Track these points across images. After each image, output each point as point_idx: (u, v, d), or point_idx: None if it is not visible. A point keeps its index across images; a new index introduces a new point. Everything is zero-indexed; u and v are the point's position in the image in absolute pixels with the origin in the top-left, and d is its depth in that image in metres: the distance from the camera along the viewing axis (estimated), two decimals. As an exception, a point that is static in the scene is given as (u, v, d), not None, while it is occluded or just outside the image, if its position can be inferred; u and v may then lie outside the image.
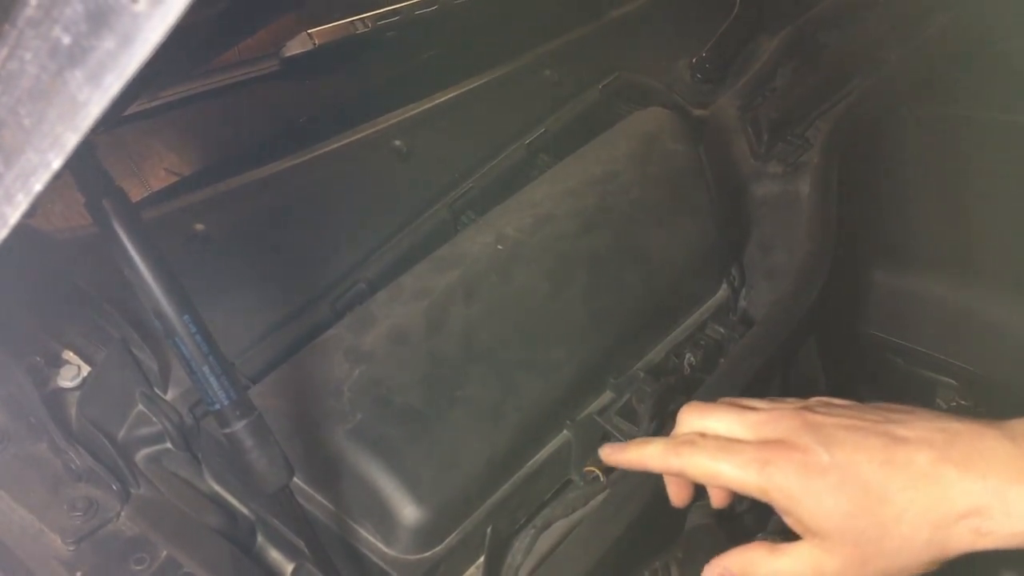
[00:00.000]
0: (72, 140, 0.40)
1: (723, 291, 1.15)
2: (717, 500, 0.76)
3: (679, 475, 0.73)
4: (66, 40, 0.37)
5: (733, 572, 0.70)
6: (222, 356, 0.69)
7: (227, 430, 0.70)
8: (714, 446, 0.69)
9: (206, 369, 0.69)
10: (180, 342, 0.68)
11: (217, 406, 0.69)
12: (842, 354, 0.97)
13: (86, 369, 0.94)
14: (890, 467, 0.63)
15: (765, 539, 0.77)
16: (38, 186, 0.43)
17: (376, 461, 0.85)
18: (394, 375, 0.91)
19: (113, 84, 0.37)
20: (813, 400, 0.71)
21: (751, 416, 0.70)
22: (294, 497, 0.74)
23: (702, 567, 0.86)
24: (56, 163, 0.41)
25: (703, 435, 0.71)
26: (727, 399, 0.74)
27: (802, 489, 0.65)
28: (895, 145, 1.42)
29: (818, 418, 0.68)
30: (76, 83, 0.38)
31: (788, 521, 0.68)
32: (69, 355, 0.94)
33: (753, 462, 0.67)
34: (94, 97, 0.38)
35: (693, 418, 0.72)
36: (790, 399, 0.72)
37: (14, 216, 0.45)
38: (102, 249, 0.67)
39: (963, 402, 1.32)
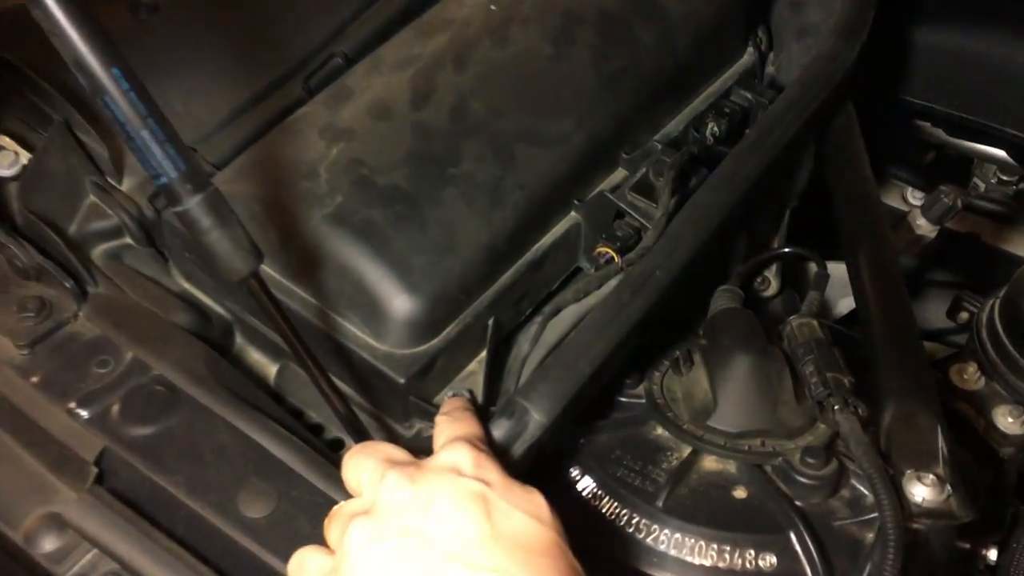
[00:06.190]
0: None
1: (748, 55, 1.02)
2: None
3: None
4: None
5: None
6: (164, 119, 0.58)
7: (179, 208, 0.59)
8: None
9: (145, 134, 0.58)
10: (110, 101, 0.57)
11: (164, 179, 0.59)
12: (880, 125, 0.85)
13: (25, 156, 0.83)
14: None
15: None
16: None
17: (360, 247, 0.76)
18: (377, 153, 0.82)
19: None
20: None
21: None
22: (265, 286, 0.64)
23: (728, 354, 0.79)
24: None
25: None
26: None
27: None
28: None
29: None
30: None
31: None
32: (4, 140, 0.84)
33: None
34: None
35: None
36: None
37: None
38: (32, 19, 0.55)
39: (1004, 177, 1.23)
